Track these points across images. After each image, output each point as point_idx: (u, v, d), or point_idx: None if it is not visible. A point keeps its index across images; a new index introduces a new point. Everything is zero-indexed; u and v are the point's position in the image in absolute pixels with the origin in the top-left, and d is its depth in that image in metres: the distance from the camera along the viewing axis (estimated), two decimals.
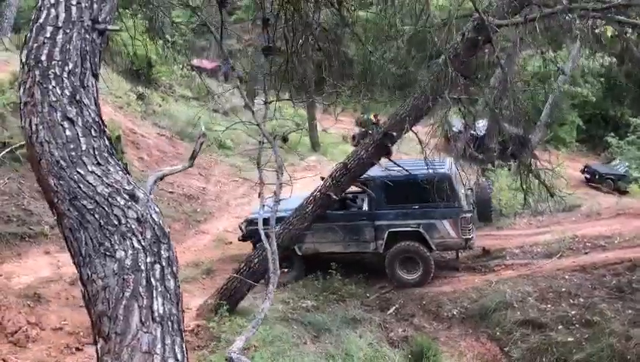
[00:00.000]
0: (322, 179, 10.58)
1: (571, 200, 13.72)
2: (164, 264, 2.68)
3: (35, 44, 2.79)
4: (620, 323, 9.23)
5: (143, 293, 2.57)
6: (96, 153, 2.75)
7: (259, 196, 4.79)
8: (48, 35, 2.79)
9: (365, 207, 11.48)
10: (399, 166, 10.10)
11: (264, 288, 9.14)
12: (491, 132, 16.72)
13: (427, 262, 11.05)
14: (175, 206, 14.42)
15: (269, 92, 6.06)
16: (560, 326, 9.47)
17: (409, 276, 11.16)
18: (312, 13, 6.25)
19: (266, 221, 5.06)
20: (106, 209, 2.65)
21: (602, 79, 27.17)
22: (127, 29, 6.47)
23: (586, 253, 11.75)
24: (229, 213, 14.91)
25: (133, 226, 2.66)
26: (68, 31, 2.82)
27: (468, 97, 9.29)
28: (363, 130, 23.83)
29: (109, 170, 2.75)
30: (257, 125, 4.79)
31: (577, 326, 9.44)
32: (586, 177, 24.27)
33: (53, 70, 2.77)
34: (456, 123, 14.42)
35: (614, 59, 22.23)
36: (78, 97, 2.78)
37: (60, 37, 2.80)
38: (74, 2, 2.89)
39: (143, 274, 2.60)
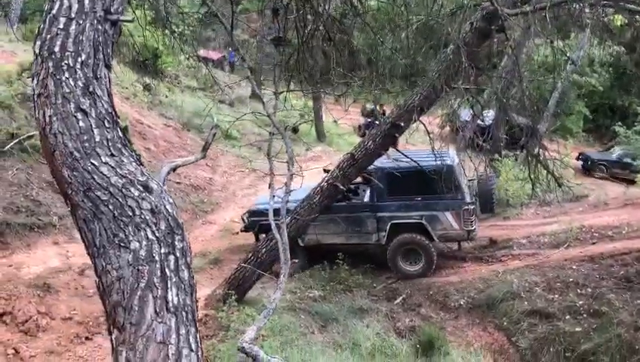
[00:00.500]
0: (325, 171, 10.56)
1: (579, 191, 13.66)
2: (178, 255, 2.69)
3: (49, 35, 2.78)
4: (628, 313, 9.21)
5: (157, 284, 2.58)
6: (110, 144, 2.75)
7: (269, 187, 4.79)
8: (61, 26, 2.79)
9: (367, 199, 11.48)
10: (406, 156, 10.06)
11: (272, 278, 9.21)
12: (499, 122, 16.62)
13: (429, 254, 11.06)
14: (182, 196, 14.46)
15: (278, 82, 6.04)
16: (567, 316, 9.46)
17: (411, 267, 11.19)
18: (322, 3, 6.21)
19: (275, 211, 5.06)
20: (120, 200, 2.66)
21: (610, 68, 26.98)
22: (137, 19, 6.45)
23: (594, 243, 11.70)
24: (235, 204, 14.94)
25: (147, 217, 2.67)
26: (81, 22, 2.82)
27: (476, 87, 9.24)
28: (369, 120, 23.80)
29: (123, 161, 2.75)
30: (268, 116, 4.78)
31: (585, 316, 9.42)
32: (582, 165, 24.50)
33: (66, 61, 2.76)
34: (464, 113, 14.37)
35: (623, 49, 22.07)
36: (91, 88, 2.79)
37: (72, 28, 2.80)
38: None
39: (158, 265, 2.61)
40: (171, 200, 2.82)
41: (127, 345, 2.50)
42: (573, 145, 23.15)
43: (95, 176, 2.67)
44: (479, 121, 13.57)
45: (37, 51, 2.80)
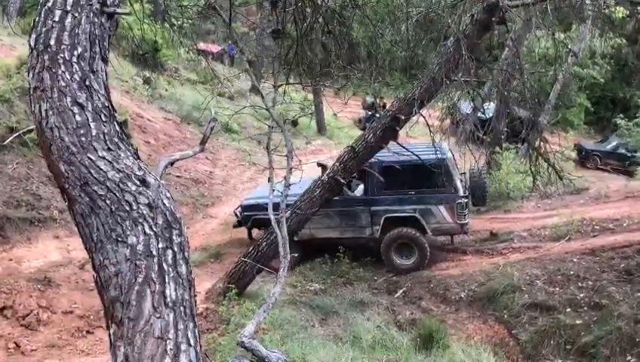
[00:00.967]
0: (318, 165, 10.53)
1: (579, 183, 13.64)
2: (176, 249, 2.68)
3: (44, 29, 2.75)
4: (628, 306, 9.20)
5: (155, 279, 2.57)
6: (107, 138, 2.73)
7: (269, 181, 4.77)
8: (57, 18, 2.75)
9: (361, 193, 11.46)
10: (406, 150, 10.03)
11: (272, 272, 9.20)
12: (499, 114, 16.58)
13: (423, 248, 11.10)
14: (182, 190, 14.46)
15: (277, 75, 6.01)
16: (568, 309, 9.45)
17: (405, 261, 11.20)
18: None
19: (273, 206, 5.04)
20: (117, 195, 2.64)
21: (611, 61, 26.90)
22: (135, 13, 6.42)
23: (595, 236, 11.69)
24: (236, 197, 14.93)
25: (144, 212, 2.65)
26: (77, 15, 2.78)
27: (476, 80, 9.20)
28: (369, 113, 23.77)
29: (120, 155, 2.73)
30: (267, 109, 4.75)
31: (586, 309, 9.41)
32: (577, 155, 24.59)
33: (62, 55, 2.73)
34: (464, 106, 14.34)
35: (624, 40, 21.97)
36: (87, 82, 2.76)
37: (68, 21, 2.76)
38: None
39: (155, 260, 2.60)
40: (169, 195, 2.80)
41: (125, 340, 2.49)
42: (574, 137, 23.18)
43: (92, 171, 2.65)
44: (480, 114, 13.54)
45: (32, 44, 2.76)
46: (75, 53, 2.76)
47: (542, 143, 10.05)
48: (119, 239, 2.60)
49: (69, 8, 2.78)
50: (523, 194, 15.02)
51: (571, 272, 10.32)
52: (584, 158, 24.21)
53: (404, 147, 10.02)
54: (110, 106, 2.82)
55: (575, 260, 10.68)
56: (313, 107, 20.87)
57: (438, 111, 9.62)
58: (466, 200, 11.03)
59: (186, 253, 2.72)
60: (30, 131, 11.58)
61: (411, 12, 8.05)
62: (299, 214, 9.46)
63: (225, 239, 12.45)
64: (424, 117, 9.19)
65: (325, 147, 20.20)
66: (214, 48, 30.50)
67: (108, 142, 2.72)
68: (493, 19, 7.52)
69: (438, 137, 9.31)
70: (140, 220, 2.63)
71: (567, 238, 11.78)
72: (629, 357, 8.44)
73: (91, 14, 2.84)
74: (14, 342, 8.00)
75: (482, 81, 10.64)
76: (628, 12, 13.75)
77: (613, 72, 27.95)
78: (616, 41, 20.50)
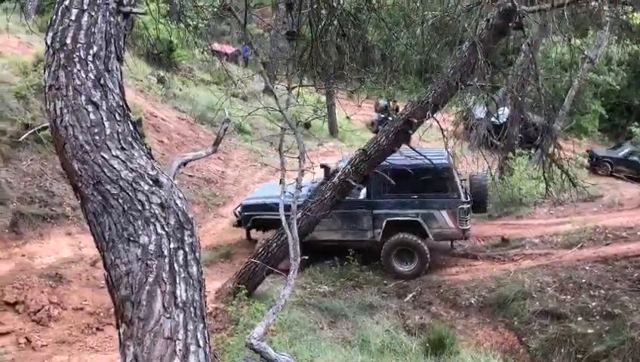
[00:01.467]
0: (322, 167, 10.50)
1: (593, 191, 13.51)
2: (187, 250, 2.67)
3: (61, 27, 2.76)
4: None
5: (166, 279, 2.56)
6: (120, 137, 2.73)
7: (280, 183, 4.76)
8: (73, 17, 2.77)
9: (364, 196, 11.42)
10: (419, 153, 9.99)
11: (281, 273, 9.20)
12: (513, 120, 16.48)
13: (423, 254, 11.06)
14: (194, 189, 14.51)
15: (291, 77, 6.00)
16: (579, 318, 9.36)
17: (405, 267, 11.17)
18: None
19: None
20: (130, 194, 2.64)
21: (628, 67, 26.65)
22: (152, 12, 6.45)
23: (608, 244, 11.56)
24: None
25: (156, 212, 2.64)
26: (93, 13, 2.79)
27: (491, 85, 9.15)
28: (382, 116, 23.73)
29: (133, 154, 2.73)
30: (280, 111, 4.75)
31: (597, 317, 9.31)
32: (588, 162, 24.37)
33: (77, 53, 2.74)
34: (477, 110, 14.25)
35: None
36: (102, 81, 2.76)
37: (85, 19, 2.78)
38: None
39: (167, 260, 2.59)
40: (181, 195, 2.80)
41: (134, 339, 2.49)
42: (588, 144, 22.99)
43: (105, 170, 2.65)
44: (493, 119, 13.47)
45: (49, 43, 2.78)
46: (91, 51, 2.77)
47: (556, 149, 9.97)
48: (131, 238, 2.59)
49: (85, 7, 2.79)
50: (535, 201, 14.90)
51: (583, 280, 10.21)
52: (595, 165, 24.00)
53: (417, 151, 9.97)
54: (124, 105, 2.82)
55: (587, 268, 10.57)
56: (326, 109, 20.91)
57: (451, 116, 9.56)
58: (468, 205, 11.03)
59: (197, 254, 2.71)
60: (45, 128, 11.59)
61: (427, 15, 8.02)
62: (309, 216, 9.45)
63: (235, 239, 12.47)
64: (437, 121, 9.15)
65: (337, 149, 20.15)
66: (228, 49, 30.57)
67: (122, 142, 2.72)
68: (510, 24, 7.46)
69: (451, 142, 9.25)
70: (152, 220, 2.63)
71: (579, 246, 11.67)
72: None
73: (107, 13, 2.85)
74: (25, 337, 8.07)
75: (497, 86, 10.57)
76: None
77: (629, 79, 27.71)
78: (633, 48, 20.30)
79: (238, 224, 11.81)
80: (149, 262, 2.56)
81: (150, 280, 2.54)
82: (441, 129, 9.23)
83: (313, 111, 10.74)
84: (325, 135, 21.65)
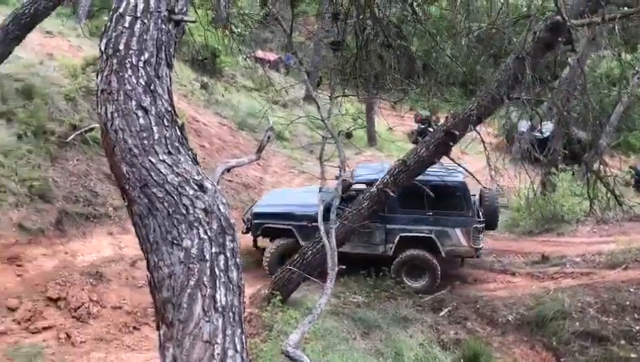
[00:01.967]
0: (337, 178, 10.36)
1: (639, 210, 13.08)
2: (228, 255, 2.70)
3: (114, 33, 2.85)
4: None
5: (206, 283, 2.60)
6: (168, 142, 2.79)
7: (320, 191, 4.78)
8: (127, 24, 2.85)
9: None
10: (461, 167, 9.85)
11: (317, 281, 9.19)
12: (557, 134, 16.13)
13: (434, 271, 10.91)
14: (233, 194, 14.66)
15: (334, 87, 6.04)
16: (622, 341, 9.07)
17: (415, 283, 11.01)
18: (382, 9, 6.16)
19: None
20: (175, 198, 2.70)
21: None
22: (199, 19, 6.58)
23: None
24: None
25: (200, 216, 2.69)
26: (145, 21, 2.87)
27: (536, 98, 8.98)
28: (422, 127, 23.55)
29: (180, 159, 2.79)
30: (322, 120, 4.78)
31: None
32: (634, 180, 23.50)
33: (129, 59, 2.82)
34: (520, 124, 13.99)
35: None
36: (152, 87, 2.84)
37: (137, 27, 2.86)
38: None
39: (208, 264, 2.63)
40: (224, 201, 2.84)
41: (174, 341, 2.53)
42: (635, 161, 22.26)
43: (152, 173, 2.72)
44: (537, 133, 13.21)
45: (102, 48, 2.86)
46: (142, 58, 2.85)
47: (601, 166, 9.71)
48: (174, 242, 2.64)
49: (138, 15, 2.88)
50: (578, 218, 14.50)
51: (627, 302, 9.89)
52: (639, 182, 23.18)
53: (458, 164, 9.83)
54: (173, 111, 2.89)
55: (632, 290, 10.23)
56: (366, 118, 20.88)
57: (493, 129, 9.42)
58: (482, 224, 10.88)
59: (237, 259, 2.75)
60: (91, 130, 11.98)
61: (472, 27, 7.94)
62: (346, 225, 9.42)
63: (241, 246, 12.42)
64: (479, 134, 9.03)
65: (375, 158, 20.10)
66: (271, 56, 30.82)
67: (169, 146, 2.78)
68: (560, 39, 7.31)
69: (493, 156, 9.11)
70: (196, 224, 2.67)
71: (624, 266, 11.29)
72: None
73: (159, 21, 2.93)
74: (65, 333, 8.29)
75: (541, 100, 10.37)
76: None
77: None
78: None
79: (247, 231, 11.71)
80: (191, 265, 2.61)
81: (191, 283, 2.58)
82: (483, 142, 9.11)
83: (353, 120, 10.72)
84: (364, 144, 21.62)
